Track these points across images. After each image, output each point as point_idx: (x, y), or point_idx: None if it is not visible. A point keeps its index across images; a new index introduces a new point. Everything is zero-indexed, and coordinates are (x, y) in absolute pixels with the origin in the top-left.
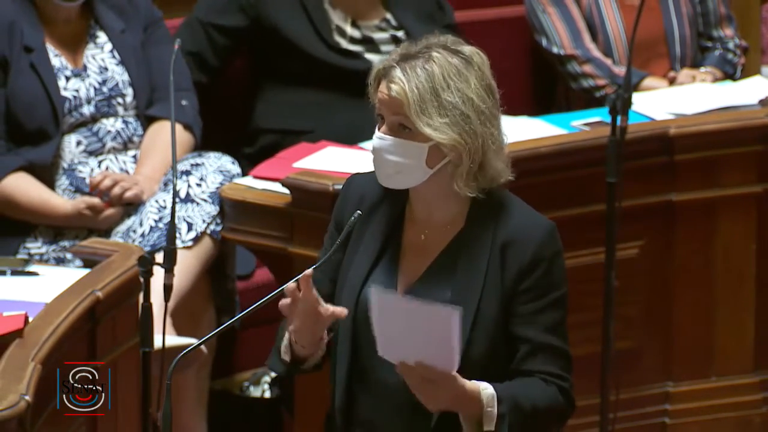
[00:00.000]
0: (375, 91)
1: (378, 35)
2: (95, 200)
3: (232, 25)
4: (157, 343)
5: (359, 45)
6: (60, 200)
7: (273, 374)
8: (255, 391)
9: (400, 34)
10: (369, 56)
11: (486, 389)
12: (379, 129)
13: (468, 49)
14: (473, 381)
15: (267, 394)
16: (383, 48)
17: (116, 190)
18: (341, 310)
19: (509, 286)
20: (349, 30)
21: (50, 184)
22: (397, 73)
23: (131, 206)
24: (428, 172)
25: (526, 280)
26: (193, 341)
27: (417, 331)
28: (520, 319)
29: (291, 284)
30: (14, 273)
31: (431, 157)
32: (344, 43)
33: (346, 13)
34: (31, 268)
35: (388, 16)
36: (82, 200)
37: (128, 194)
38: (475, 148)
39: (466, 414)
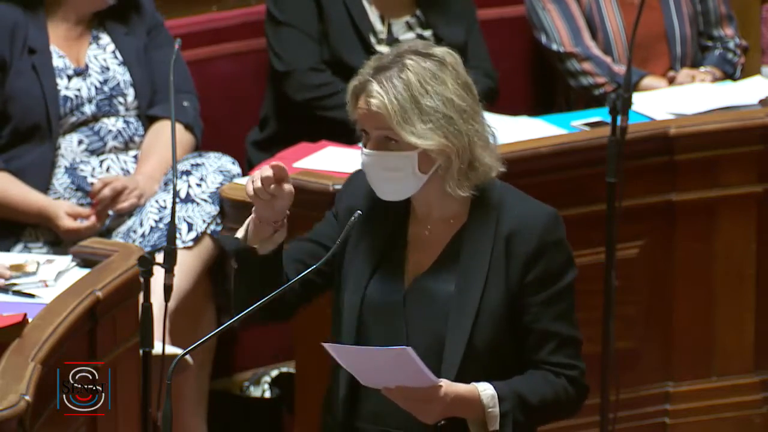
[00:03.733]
0: (354, 107)
1: (405, 35)
2: (78, 209)
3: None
4: (157, 347)
5: (386, 46)
6: (42, 196)
7: (273, 374)
8: (255, 391)
9: (427, 33)
10: None
11: (485, 390)
12: (365, 146)
13: (439, 50)
14: (472, 384)
15: (267, 394)
16: None
17: (114, 204)
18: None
19: (517, 275)
20: (380, 28)
21: (49, 182)
22: (374, 87)
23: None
24: (423, 178)
25: (533, 268)
26: (180, 351)
27: (385, 368)
28: (529, 309)
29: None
30: (15, 293)
31: (422, 163)
32: (374, 42)
33: (380, 10)
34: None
35: (419, 12)
36: (70, 205)
37: (124, 204)
38: (463, 147)
39: (468, 417)
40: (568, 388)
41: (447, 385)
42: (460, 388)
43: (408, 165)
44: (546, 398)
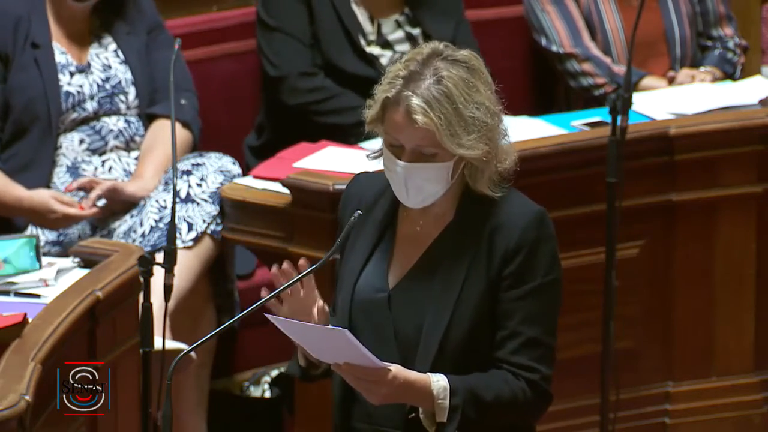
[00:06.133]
0: (381, 118)
1: (394, 35)
2: (67, 198)
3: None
4: (157, 344)
5: (377, 46)
6: (25, 191)
7: (273, 374)
8: (255, 391)
9: (416, 32)
10: (384, 62)
11: (438, 381)
12: (398, 157)
13: (461, 54)
14: (426, 374)
15: (267, 394)
16: (397, 48)
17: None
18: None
19: (495, 270)
20: (369, 29)
21: (50, 180)
22: (415, 101)
23: (132, 206)
24: (450, 181)
25: (509, 264)
26: (185, 346)
27: (327, 344)
28: (501, 305)
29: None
30: (17, 294)
31: (454, 168)
32: (364, 44)
33: (368, 11)
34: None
35: (407, 10)
36: (57, 194)
37: (101, 187)
38: (497, 148)
39: (417, 406)
40: (527, 390)
41: (397, 370)
42: (412, 375)
43: (444, 172)
44: (502, 397)
